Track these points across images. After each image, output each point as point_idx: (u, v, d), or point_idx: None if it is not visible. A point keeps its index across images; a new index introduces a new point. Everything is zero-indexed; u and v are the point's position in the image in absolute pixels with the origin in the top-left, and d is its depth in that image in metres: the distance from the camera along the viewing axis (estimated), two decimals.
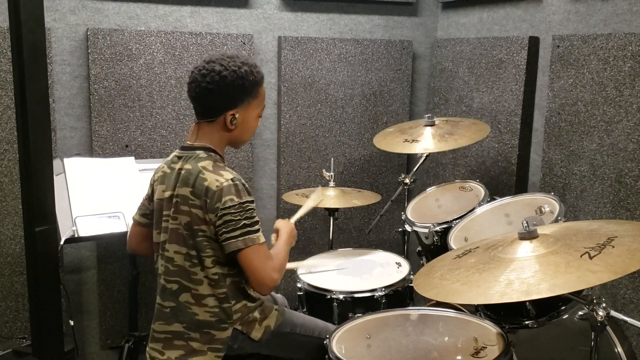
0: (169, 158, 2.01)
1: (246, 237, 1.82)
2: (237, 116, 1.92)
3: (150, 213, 2.06)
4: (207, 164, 1.88)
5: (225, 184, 1.83)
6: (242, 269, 1.87)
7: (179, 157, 1.96)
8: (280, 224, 2.14)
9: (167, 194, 1.94)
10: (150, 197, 2.06)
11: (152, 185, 2.05)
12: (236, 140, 2.01)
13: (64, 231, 2.41)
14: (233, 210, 1.81)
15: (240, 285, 1.97)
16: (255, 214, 1.87)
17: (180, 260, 1.92)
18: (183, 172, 1.90)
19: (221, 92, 1.88)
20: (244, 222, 1.83)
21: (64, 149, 2.93)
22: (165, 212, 1.95)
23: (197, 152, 1.92)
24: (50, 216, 1.86)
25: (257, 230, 1.86)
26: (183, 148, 1.98)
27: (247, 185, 1.88)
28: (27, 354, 2.63)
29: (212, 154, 1.93)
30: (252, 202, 1.86)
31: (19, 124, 1.79)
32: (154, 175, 2.05)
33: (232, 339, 1.96)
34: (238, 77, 1.88)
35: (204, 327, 1.93)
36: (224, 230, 1.83)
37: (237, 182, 1.85)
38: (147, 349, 2.04)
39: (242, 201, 1.83)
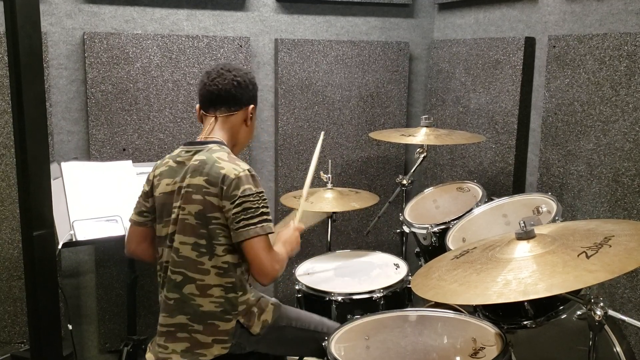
0: (175, 153, 2.06)
1: (264, 224, 1.90)
2: (253, 112, 2.10)
3: (147, 210, 2.07)
4: (222, 155, 1.96)
5: (242, 173, 1.90)
6: (247, 257, 1.92)
7: (188, 152, 2.01)
8: (281, 232, 2.19)
9: (176, 186, 1.97)
10: (148, 194, 2.06)
11: (151, 181, 2.06)
12: (243, 139, 2.13)
13: (62, 235, 2.40)
14: (252, 199, 1.89)
15: (245, 277, 2.01)
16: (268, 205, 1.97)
17: (186, 251, 1.94)
18: (196, 163, 1.94)
19: (247, 85, 2.07)
20: (262, 210, 1.91)
21: (61, 153, 2.93)
22: (174, 204, 1.97)
23: (210, 145, 2.00)
24: (47, 220, 1.86)
25: (271, 220, 1.94)
26: (191, 144, 2.04)
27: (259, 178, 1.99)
28: (25, 359, 2.62)
29: (225, 146, 2.02)
30: (264, 193, 1.96)
31: (16, 128, 1.79)
32: (153, 171, 2.06)
33: (233, 332, 1.97)
34: (253, 79, 2.11)
35: (208, 318, 1.95)
36: (242, 217, 1.87)
37: (254, 173, 1.94)
38: (153, 345, 2.04)
39: (258, 191, 1.92)
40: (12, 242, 2.82)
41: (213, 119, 2.05)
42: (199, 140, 2.05)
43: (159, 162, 2.08)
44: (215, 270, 1.93)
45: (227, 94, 2.03)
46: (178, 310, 1.97)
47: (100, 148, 2.96)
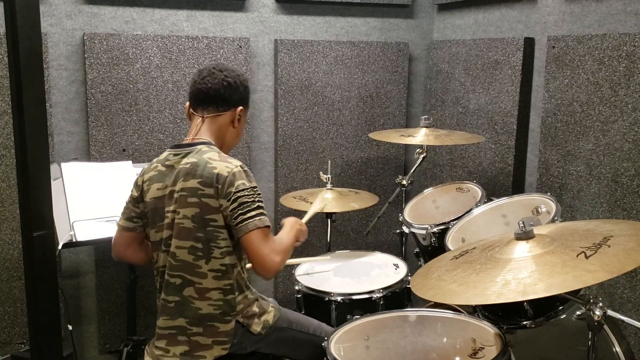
0: (162, 157, 2.04)
1: (262, 217, 1.90)
2: (242, 114, 2.08)
3: (137, 216, 2.06)
4: (213, 155, 1.95)
5: (235, 169, 1.90)
6: (247, 252, 1.91)
7: (176, 155, 1.99)
8: (288, 218, 2.20)
9: (167, 190, 1.96)
10: (137, 199, 2.05)
11: (139, 187, 2.04)
12: (231, 141, 2.11)
13: (62, 236, 2.41)
14: (247, 193, 1.89)
15: (242, 276, 2.01)
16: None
17: (182, 255, 1.94)
18: (187, 166, 1.93)
19: (237, 86, 2.06)
20: (258, 204, 1.91)
21: (61, 154, 2.93)
22: (166, 209, 1.96)
23: (198, 146, 1.98)
24: (48, 221, 1.86)
25: (266, 214, 1.94)
26: (179, 146, 2.02)
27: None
28: (25, 359, 2.63)
29: (213, 146, 2.01)
30: (258, 188, 1.97)
31: (16, 129, 1.79)
32: (142, 176, 2.05)
33: (233, 333, 1.97)
34: (245, 81, 2.10)
35: (207, 320, 1.95)
36: (239, 212, 1.87)
37: (246, 168, 1.95)
38: (151, 348, 2.04)
39: (252, 185, 1.92)
40: (12, 242, 2.82)
41: (200, 119, 2.04)
42: (186, 142, 2.03)
43: (146, 166, 2.07)
44: (212, 274, 1.93)
45: (216, 94, 2.02)
46: (178, 312, 1.97)
47: (100, 149, 2.96)
